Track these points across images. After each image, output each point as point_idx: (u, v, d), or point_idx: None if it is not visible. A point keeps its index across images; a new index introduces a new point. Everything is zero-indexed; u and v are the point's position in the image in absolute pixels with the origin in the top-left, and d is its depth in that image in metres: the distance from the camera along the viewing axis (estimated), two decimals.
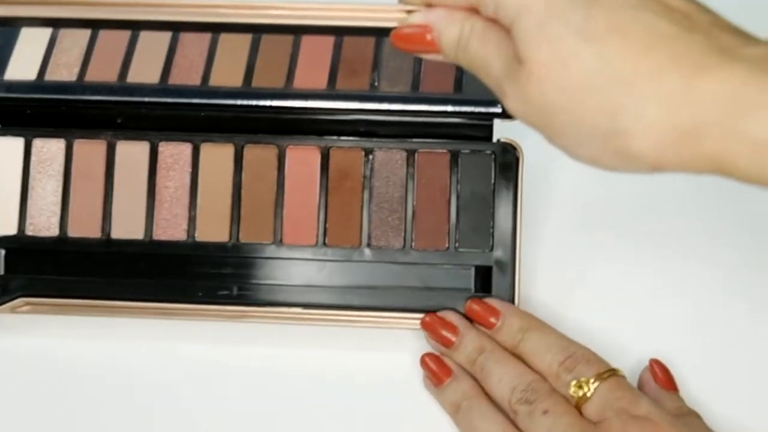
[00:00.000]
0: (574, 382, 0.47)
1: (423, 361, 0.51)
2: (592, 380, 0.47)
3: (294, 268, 0.53)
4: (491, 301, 0.51)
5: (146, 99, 0.54)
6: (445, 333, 0.51)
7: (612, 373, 0.47)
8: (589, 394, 0.47)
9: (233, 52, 0.55)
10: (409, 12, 0.44)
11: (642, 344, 0.51)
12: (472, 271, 0.53)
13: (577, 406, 0.47)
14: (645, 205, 0.55)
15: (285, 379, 0.53)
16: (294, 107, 0.53)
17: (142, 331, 0.54)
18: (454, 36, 0.43)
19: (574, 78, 0.39)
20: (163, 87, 0.54)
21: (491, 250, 0.53)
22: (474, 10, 0.42)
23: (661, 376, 0.50)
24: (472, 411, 0.49)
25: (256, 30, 0.53)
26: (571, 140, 0.40)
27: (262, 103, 0.54)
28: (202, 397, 0.53)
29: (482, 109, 0.53)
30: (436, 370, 0.51)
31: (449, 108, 0.53)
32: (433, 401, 0.51)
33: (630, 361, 0.51)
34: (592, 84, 0.38)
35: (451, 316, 0.52)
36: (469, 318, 0.51)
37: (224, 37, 0.55)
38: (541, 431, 0.46)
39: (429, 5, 0.43)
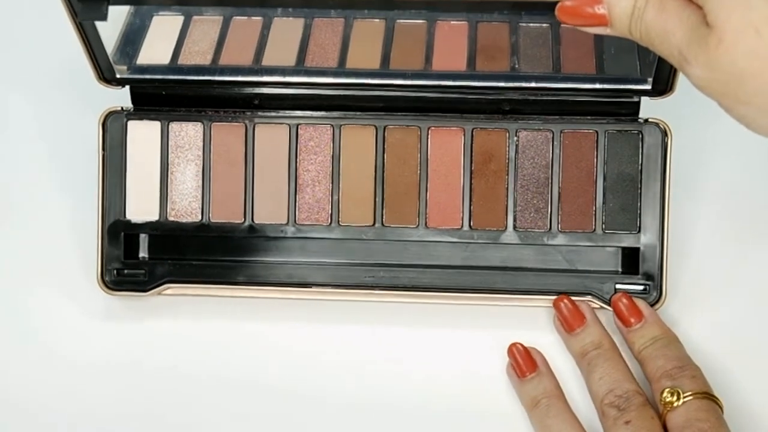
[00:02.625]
0: (669, 389, 0.47)
1: (511, 351, 0.51)
2: (687, 394, 0.47)
3: (439, 251, 0.53)
4: (639, 303, 0.51)
5: (285, 78, 0.53)
6: (573, 319, 0.51)
7: (710, 397, 0.47)
8: (677, 404, 0.47)
9: (367, 40, 0.54)
10: None
11: None
12: (619, 253, 0.53)
13: (663, 413, 0.47)
14: None
15: (425, 360, 0.53)
16: (437, 85, 0.52)
17: (285, 313, 0.54)
18: (627, 7, 0.41)
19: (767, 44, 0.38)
20: (302, 68, 0.53)
21: (639, 231, 0.52)
22: None
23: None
24: (549, 410, 0.49)
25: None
26: (755, 110, 0.39)
27: (403, 81, 0.52)
28: (342, 379, 0.53)
29: (631, 86, 0.52)
30: (522, 363, 0.51)
31: (597, 85, 0.52)
32: (578, 384, 0.52)
33: None
34: None
35: (584, 306, 0.52)
36: (613, 308, 0.52)
37: (357, 25, 0.54)
38: None
39: None
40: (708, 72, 0.39)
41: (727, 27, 0.38)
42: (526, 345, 0.51)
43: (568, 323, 0.51)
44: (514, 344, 0.51)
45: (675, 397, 0.47)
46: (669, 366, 0.48)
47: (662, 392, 0.47)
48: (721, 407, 0.47)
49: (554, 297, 0.52)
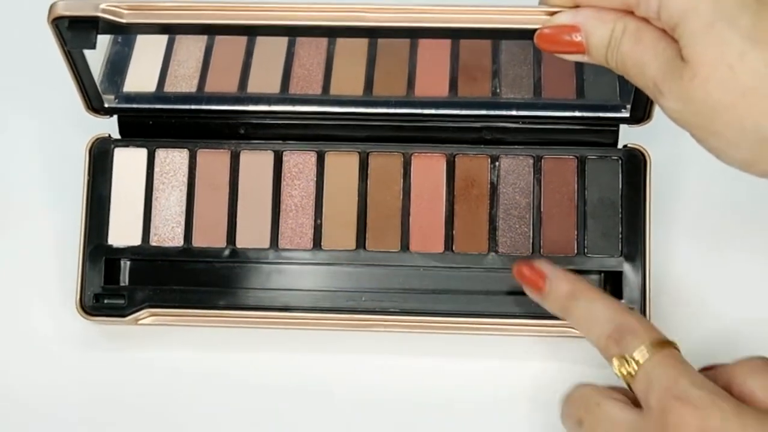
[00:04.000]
0: (617, 361, 0.43)
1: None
2: (635, 355, 0.43)
3: (421, 275, 0.53)
4: (539, 264, 0.48)
5: (271, 108, 0.54)
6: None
7: (659, 344, 0.43)
8: (633, 372, 0.43)
9: (351, 62, 0.55)
10: (552, 13, 0.44)
11: None
12: (601, 277, 0.53)
13: (629, 385, 0.43)
14: None
15: (410, 388, 0.53)
16: (419, 114, 0.53)
17: (267, 341, 0.54)
18: (604, 36, 0.42)
19: (740, 80, 0.39)
20: (286, 96, 0.54)
21: (620, 255, 0.52)
22: (625, 11, 0.42)
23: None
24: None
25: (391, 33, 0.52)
26: (726, 142, 0.41)
27: (387, 110, 0.54)
28: (324, 405, 0.53)
29: (610, 114, 0.53)
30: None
31: (576, 113, 0.53)
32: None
33: None
34: (758, 88, 0.39)
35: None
36: (517, 278, 0.48)
37: (340, 47, 0.55)
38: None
39: (576, 5, 0.43)
40: (681, 104, 0.41)
41: (702, 62, 0.39)
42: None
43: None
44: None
45: (629, 367, 0.43)
46: (607, 330, 0.44)
47: (614, 367, 0.43)
48: (675, 347, 0.43)
49: (537, 321, 0.52)
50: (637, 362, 0.43)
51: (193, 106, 0.54)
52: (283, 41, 0.55)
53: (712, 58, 0.39)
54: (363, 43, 0.55)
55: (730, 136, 0.40)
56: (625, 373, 0.43)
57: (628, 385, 0.43)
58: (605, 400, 0.44)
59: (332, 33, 0.52)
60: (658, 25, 0.41)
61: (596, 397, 0.44)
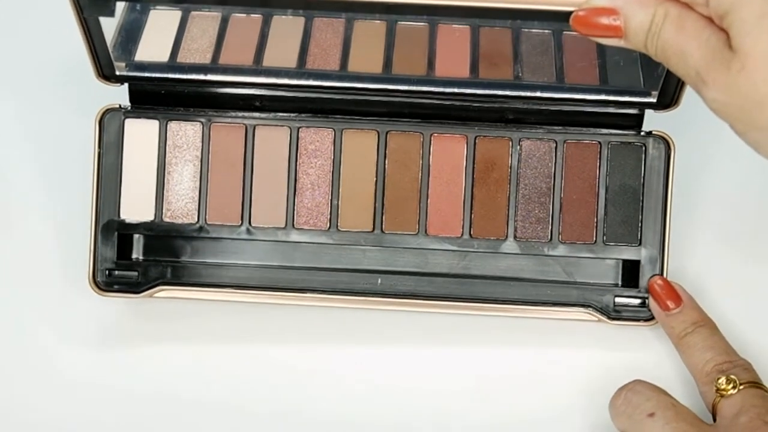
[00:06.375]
0: (724, 378, 0.47)
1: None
2: (742, 383, 0.47)
3: (438, 259, 0.53)
4: (676, 286, 0.51)
5: (288, 81, 0.52)
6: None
7: (758, 386, 0.47)
8: (732, 392, 0.47)
9: (369, 42, 0.53)
10: None
11: None
12: (619, 265, 0.53)
13: (715, 401, 0.47)
14: None
15: (422, 370, 0.53)
16: (440, 92, 0.52)
17: (278, 321, 0.53)
18: (645, 22, 0.41)
19: None
20: (303, 70, 0.52)
21: (639, 244, 0.52)
22: None
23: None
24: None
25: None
26: None
27: (407, 87, 0.52)
28: (337, 390, 0.52)
29: (636, 99, 0.52)
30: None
31: (602, 96, 0.52)
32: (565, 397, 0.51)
33: None
34: None
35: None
36: (649, 290, 0.51)
37: (358, 26, 0.54)
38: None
39: None
40: (726, 96, 0.40)
41: (752, 53, 0.38)
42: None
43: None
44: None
45: (731, 385, 0.47)
46: (719, 360, 0.48)
47: (717, 379, 0.47)
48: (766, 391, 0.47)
49: (554, 308, 0.52)
50: (740, 386, 0.47)
51: (209, 77, 0.52)
52: (298, 22, 0.53)
53: (762, 50, 0.38)
54: (381, 27, 0.53)
55: None
56: (724, 386, 0.47)
57: (713, 404, 0.47)
58: (679, 404, 0.47)
59: (349, 7, 0.51)
60: (703, 12, 0.40)
61: (670, 398, 0.47)
